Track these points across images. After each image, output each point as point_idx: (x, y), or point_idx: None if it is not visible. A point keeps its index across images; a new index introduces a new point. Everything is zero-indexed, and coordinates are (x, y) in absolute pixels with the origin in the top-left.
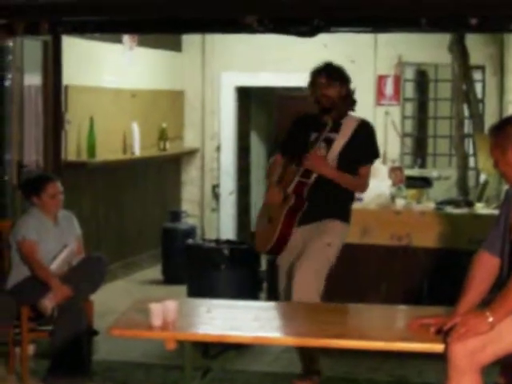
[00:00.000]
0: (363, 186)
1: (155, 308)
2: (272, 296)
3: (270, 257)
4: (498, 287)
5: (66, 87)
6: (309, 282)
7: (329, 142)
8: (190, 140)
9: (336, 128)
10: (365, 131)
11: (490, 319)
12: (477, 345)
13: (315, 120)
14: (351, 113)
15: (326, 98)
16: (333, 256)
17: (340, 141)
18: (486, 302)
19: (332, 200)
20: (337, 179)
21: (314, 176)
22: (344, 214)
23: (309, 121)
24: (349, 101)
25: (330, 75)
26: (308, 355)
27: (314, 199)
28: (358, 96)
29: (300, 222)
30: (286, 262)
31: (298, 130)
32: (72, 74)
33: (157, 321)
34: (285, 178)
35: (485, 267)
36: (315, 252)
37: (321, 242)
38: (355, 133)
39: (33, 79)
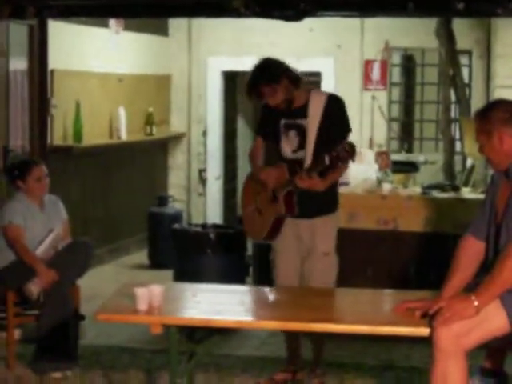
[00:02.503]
0: (347, 167)
1: (141, 292)
2: (258, 280)
3: (256, 241)
4: (483, 271)
5: (52, 72)
6: None
7: (299, 128)
8: (177, 124)
9: (303, 112)
10: (334, 109)
11: (476, 303)
12: (462, 329)
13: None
14: (316, 89)
15: (278, 103)
16: (333, 258)
17: (312, 128)
18: (472, 286)
19: (318, 194)
20: (330, 184)
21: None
22: (334, 205)
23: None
24: (296, 82)
25: (269, 83)
26: (293, 345)
27: (304, 195)
28: (345, 81)
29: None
30: (284, 248)
31: (268, 114)
32: (58, 58)
33: (142, 305)
34: (275, 171)
35: (470, 251)
36: (317, 264)
37: (318, 251)
38: (325, 113)
39: (18, 64)
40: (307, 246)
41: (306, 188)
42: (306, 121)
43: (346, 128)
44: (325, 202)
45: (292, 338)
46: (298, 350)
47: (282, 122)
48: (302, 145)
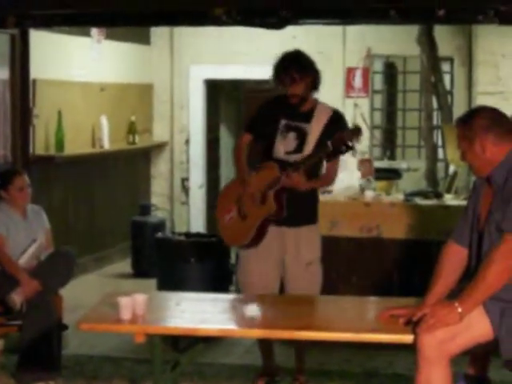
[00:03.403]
0: (334, 181)
1: (124, 301)
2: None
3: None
4: (466, 278)
5: (34, 81)
6: None
7: (300, 132)
8: (159, 133)
9: (307, 117)
10: (337, 124)
11: (459, 310)
12: (446, 335)
13: (285, 105)
14: (322, 101)
15: (296, 95)
16: (318, 268)
17: (314, 134)
18: (455, 293)
19: (303, 203)
20: (310, 188)
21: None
22: (315, 215)
23: (279, 105)
24: (315, 86)
25: (299, 71)
26: (268, 352)
27: (290, 204)
28: (327, 88)
29: (276, 223)
30: (266, 253)
31: (268, 112)
32: (40, 67)
33: (126, 314)
34: (264, 171)
35: (453, 258)
36: (300, 274)
37: (301, 261)
38: (328, 125)
39: (0, 73)
40: (290, 255)
41: (290, 186)
42: (308, 126)
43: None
44: (310, 212)
45: (266, 344)
46: (272, 355)
47: (283, 122)
48: (299, 148)
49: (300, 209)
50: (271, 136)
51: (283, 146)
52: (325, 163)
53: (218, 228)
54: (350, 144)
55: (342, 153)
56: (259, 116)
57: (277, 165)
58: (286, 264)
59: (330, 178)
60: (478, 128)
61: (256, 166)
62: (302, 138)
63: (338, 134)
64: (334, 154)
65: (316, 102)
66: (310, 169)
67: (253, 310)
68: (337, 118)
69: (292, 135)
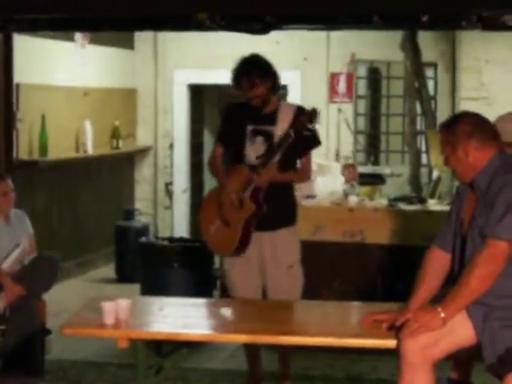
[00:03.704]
0: (309, 177)
1: (107, 306)
2: (225, 293)
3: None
4: (449, 283)
5: (18, 85)
6: None
7: (267, 135)
8: (143, 138)
9: (272, 120)
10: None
11: (442, 315)
12: (429, 340)
13: (249, 110)
14: (284, 101)
15: (257, 98)
16: (299, 272)
17: (280, 134)
18: (438, 298)
19: (280, 205)
20: (284, 180)
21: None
22: (294, 216)
23: (243, 112)
24: (276, 88)
25: (260, 75)
26: (254, 358)
27: (266, 205)
28: (311, 93)
29: (255, 228)
30: (245, 262)
31: (233, 120)
32: (23, 72)
33: (109, 319)
34: (235, 176)
35: (436, 263)
36: (282, 277)
37: (281, 264)
38: (293, 122)
39: None
40: (269, 259)
41: (263, 183)
42: (274, 128)
43: (315, 140)
44: (286, 214)
45: (252, 350)
46: (258, 361)
47: (249, 127)
48: (268, 151)
49: (275, 212)
50: (240, 143)
51: (253, 151)
52: (298, 162)
53: (206, 240)
54: (310, 126)
55: (307, 140)
56: (225, 126)
57: (246, 167)
58: (266, 269)
59: (305, 173)
60: (460, 133)
61: (227, 172)
62: (269, 140)
63: (300, 120)
64: (299, 141)
65: (279, 103)
66: (283, 164)
67: (225, 310)
68: (300, 115)
69: (260, 139)
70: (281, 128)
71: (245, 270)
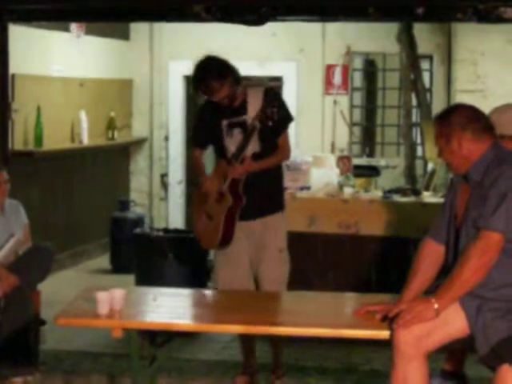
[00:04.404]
0: (288, 155)
1: (102, 296)
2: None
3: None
4: (443, 274)
5: (13, 76)
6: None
7: (242, 125)
8: (139, 129)
9: (243, 109)
10: (272, 100)
11: (436, 306)
12: (422, 331)
13: (219, 107)
14: (251, 86)
15: (223, 99)
16: (286, 255)
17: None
18: (432, 290)
19: (267, 192)
20: (265, 167)
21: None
22: (281, 203)
23: (214, 109)
24: (239, 80)
25: (220, 77)
26: (249, 349)
27: (250, 195)
28: (306, 85)
29: (240, 217)
30: (236, 251)
31: (207, 120)
32: (19, 62)
33: (103, 309)
34: (217, 170)
35: (430, 255)
36: (272, 262)
37: (273, 249)
38: (264, 105)
39: None
40: (260, 245)
41: (240, 175)
42: (247, 116)
43: (286, 117)
44: (273, 201)
45: (247, 340)
46: (253, 352)
47: (224, 122)
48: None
49: (262, 199)
50: (218, 139)
51: (233, 144)
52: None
53: (195, 235)
54: (272, 113)
55: (279, 119)
56: (200, 127)
57: (223, 160)
58: (258, 254)
59: (284, 152)
60: (455, 125)
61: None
62: (245, 130)
63: (262, 110)
64: (266, 128)
65: (245, 91)
66: (264, 152)
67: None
68: (269, 95)
69: (236, 131)
70: (252, 115)
71: (235, 267)
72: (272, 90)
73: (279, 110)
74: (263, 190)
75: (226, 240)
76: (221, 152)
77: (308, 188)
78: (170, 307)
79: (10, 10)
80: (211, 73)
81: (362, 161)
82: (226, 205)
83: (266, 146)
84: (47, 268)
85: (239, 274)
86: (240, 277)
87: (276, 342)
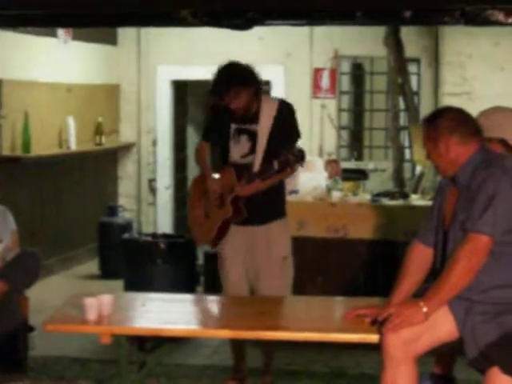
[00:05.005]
0: (295, 170)
1: (90, 302)
2: (209, 289)
3: (206, 250)
4: (431, 277)
5: (1, 82)
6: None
7: (250, 134)
8: (126, 134)
9: (255, 118)
10: (285, 115)
11: (424, 309)
12: (411, 335)
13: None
14: (266, 96)
15: (239, 109)
16: (291, 263)
17: (263, 133)
18: (420, 293)
19: (270, 198)
20: (271, 185)
21: None
22: (283, 209)
23: (227, 109)
24: (257, 95)
25: (241, 87)
26: (240, 353)
27: (254, 200)
28: (294, 89)
29: (243, 222)
30: (232, 255)
31: (218, 118)
32: (6, 68)
33: (91, 315)
34: (223, 176)
35: (419, 258)
36: (276, 270)
37: (276, 257)
38: (276, 119)
39: None
40: (263, 252)
41: (247, 196)
42: (257, 126)
43: (295, 134)
44: (277, 207)
45: (238, 345)
46: (244, 357)
47: (233, 127)
48: (252, 150)
49: (267, 206)
50: (226, 141)
51: (237, 150)
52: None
53: (188, 222)
54: (294, 167)
55: (287, 171)
56: (211, 123)
57: (233, 170)
58: (259, 262)
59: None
60: (442, 128)
61: (215, 168)
62: (253, 139)
63: (284, 154)
64: (281, 172)
65: (260, 100)
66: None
67: None
68: (284, 108)
69: (244, 138)
70: (263, 126)
71: (234, 262)
72: (287, 104)
73: (299, 161)
74: (267, 196)
75: (217, 242)
76: (224, 154)
77: (296, 192)
78: (158, 312)
79: None
80: (234, 78)
81: (350, 164)
82: (225, 215)
83: (270, 155)
84: (35, 274)
85: (230, 278)
86: (231, 281)
87: (267, 347)
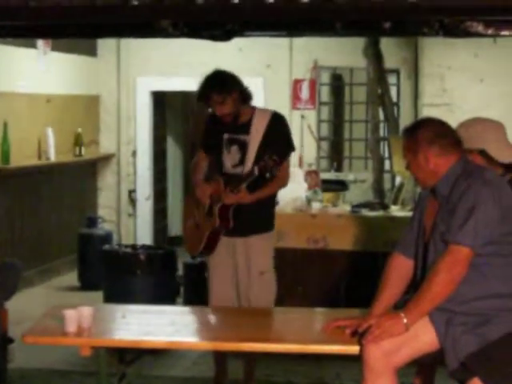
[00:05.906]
0: (285, 184)
1: (69, 314)
2: (189, 301)
3: (186, 261)
4: (412, 289)
5: None
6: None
7: (241, 144)
8: (106, 145)
9: (247, 128)
10: (277, 127)
11: (405, 320)
12: (392, 346)
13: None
14: (260, 107)
15: (226, 115)
16: (272, 277)
17: (253, 144)
18: (400, 304)
19: (255, 212)
20: (260, 198)
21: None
22: (270, 224)
23: (219, 120)
24: (245, 98)
25: (221, 92)
26: (222, 365)
27: (238, 212)
28: (274, 100)
29: (226, 233)
30: (215, 265)
31: (212, 128)
32: None
33: (71, 327)
34: (212, 185)
35: (399, 269)
36: (255, 283)
37: (254, 271)
38: (268, 130)
39: None
40: (242, 265)
41: (233, 203)
42: (248, 137)
43: (288, 146)
44: (260, 221)
45: (220, 356)
46: (225, 368)
47: (226, 136)
48: (242, 160)
49: (249, 219)
50: (219, 151)
51: (229, 160)
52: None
53: (183, 236)
54: (272, 172)
55: (268, 175)
56: (206, 133)
57: (221, 180)
58: (239, 274)
59: (282, 181)
60: (422, 140)
61: (207, 179)
62: (243, 150)
63: (264, 160)
64: (262, 177)
65: (254, 111)
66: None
67: None
68: (275, 121)
69: (235, 148)
70: (254, 137)
71: (220, 272)
72: (279, 116)
73: (278, 166)
74: (252, 209)
75: (207, 251)
76: (217, 164)
77: (276, 203)
78: (138, 324)
79: None
80: (216, 85)
81: (330, 175)
82: (212, 225)
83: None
84: (14, 285)
85: (214, 288)
86: (214, 291)
87: (248, 358)
